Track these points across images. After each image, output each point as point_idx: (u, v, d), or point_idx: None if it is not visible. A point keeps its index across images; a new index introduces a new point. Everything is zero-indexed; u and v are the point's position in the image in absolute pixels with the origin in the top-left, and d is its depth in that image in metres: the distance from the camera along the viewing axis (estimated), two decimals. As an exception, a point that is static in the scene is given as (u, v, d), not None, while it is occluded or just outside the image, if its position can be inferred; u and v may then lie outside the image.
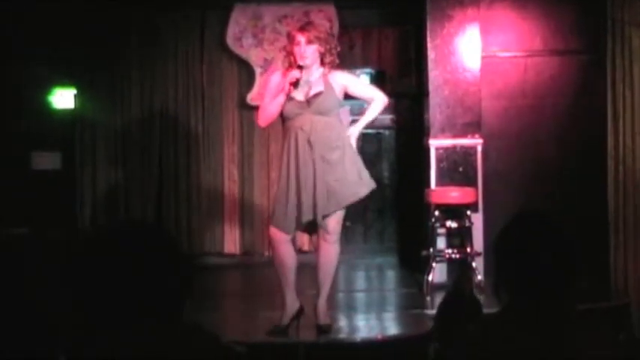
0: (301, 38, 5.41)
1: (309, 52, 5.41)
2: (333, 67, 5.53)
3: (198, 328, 2.13)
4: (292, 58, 5.45)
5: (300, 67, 5.40)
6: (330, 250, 5.55)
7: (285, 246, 5.53)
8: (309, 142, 5.38)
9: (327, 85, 5.45)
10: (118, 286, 2.06)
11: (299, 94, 5.43)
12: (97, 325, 2.07)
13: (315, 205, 5.37)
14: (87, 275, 2.08)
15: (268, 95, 5.55)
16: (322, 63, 5.48)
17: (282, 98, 5.41)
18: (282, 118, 5.52)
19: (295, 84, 5.40)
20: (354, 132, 5.60)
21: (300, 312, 5.63)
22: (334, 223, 5.49)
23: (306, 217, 5.41)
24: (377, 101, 5.60)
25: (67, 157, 8.40)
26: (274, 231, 5.48)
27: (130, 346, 2.06)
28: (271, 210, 5.71)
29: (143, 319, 2.07)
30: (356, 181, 5.47)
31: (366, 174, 5.54)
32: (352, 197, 5.46)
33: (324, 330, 5.55)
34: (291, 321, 5.57)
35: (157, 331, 2.08)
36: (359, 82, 5.83)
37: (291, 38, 5.49)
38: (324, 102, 5.43)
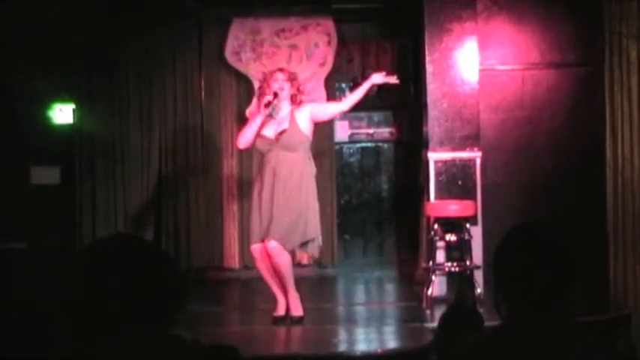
0: (280, 75, 6.30)
1: (286, 86, 6.26)
2: (301, 104, 6.31)
3: (182, 339, 2.17)
4: (268, 90, 6.24)
5: (275, 94, 6.20)
6: (279, 260, 6.15)
7: (260, 261, 6.25)
8: (274, 172, 6.14)
9: (293, 122, 6.19)
10: (108, 295, 2.10)
11: (269, 132, 6.21)
12: (86, 331, 2.12)
13: (268, 226, 6.10)
14: (80, 283, 2.13)
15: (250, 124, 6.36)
16: (292, 102, 6.27)
17: (259, 120, 6.21)
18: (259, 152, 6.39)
19: (268, 105, 6.17)
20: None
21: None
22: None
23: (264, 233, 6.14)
24: (344, 101, 6.50)
25: (67, 172, 8.40)
26: (252, 248, 6.25)
27: (114, 351, 2.10)
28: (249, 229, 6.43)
29: (130, 327, 2.11)
30: (300, 228, 6.14)
31: (313, 222, 6.21)
32: (289, 244, 6.16)
33: (295, 321, 6.23)
34: (285, 311, 6.27)
35: (142, 339, 2.11)
36: (321, 104, 6.59)
37: (268, 76, 6.36)
38: (289, 138, 6.17)
